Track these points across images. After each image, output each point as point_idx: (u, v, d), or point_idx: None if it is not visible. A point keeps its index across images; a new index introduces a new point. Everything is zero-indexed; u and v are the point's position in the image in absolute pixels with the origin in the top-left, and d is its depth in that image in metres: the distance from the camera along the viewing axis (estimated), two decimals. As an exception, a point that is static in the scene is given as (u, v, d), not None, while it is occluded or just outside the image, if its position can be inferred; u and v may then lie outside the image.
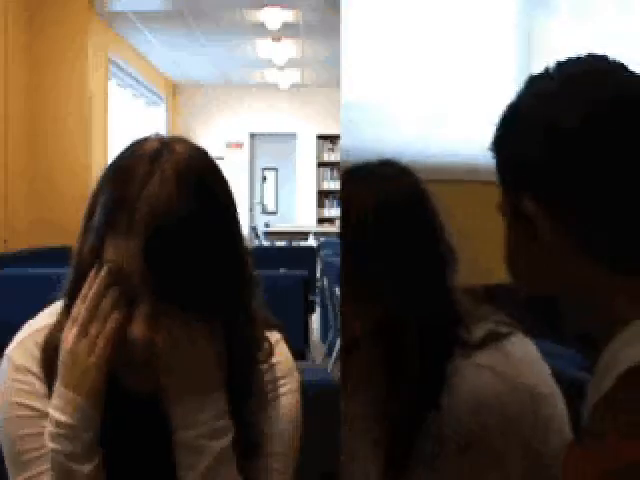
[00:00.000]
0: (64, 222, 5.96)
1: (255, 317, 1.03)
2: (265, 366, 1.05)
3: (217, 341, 0.97)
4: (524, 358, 1.11)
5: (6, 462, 1.00)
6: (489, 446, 1.07)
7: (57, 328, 0.99)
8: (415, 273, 1.11)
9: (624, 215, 0.78)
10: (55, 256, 5.56)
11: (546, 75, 0.85)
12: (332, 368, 4.76)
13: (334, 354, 4.92)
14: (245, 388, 1.01)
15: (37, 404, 0.97)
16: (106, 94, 7.48)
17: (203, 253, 0.93)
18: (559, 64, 0.85)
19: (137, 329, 0.92)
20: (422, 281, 1.11)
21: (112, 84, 8.05)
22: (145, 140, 0.98)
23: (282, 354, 1.08)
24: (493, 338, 1.11)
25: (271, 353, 1.06)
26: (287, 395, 1.06)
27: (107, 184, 0.96)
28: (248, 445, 1.00)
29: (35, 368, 0.99)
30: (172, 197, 0.91)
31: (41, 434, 0.96)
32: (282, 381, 1.06)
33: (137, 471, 1.01)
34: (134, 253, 0.91)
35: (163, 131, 10.37)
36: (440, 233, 1.14)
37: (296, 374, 1.09)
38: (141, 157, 0.94)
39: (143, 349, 0.93)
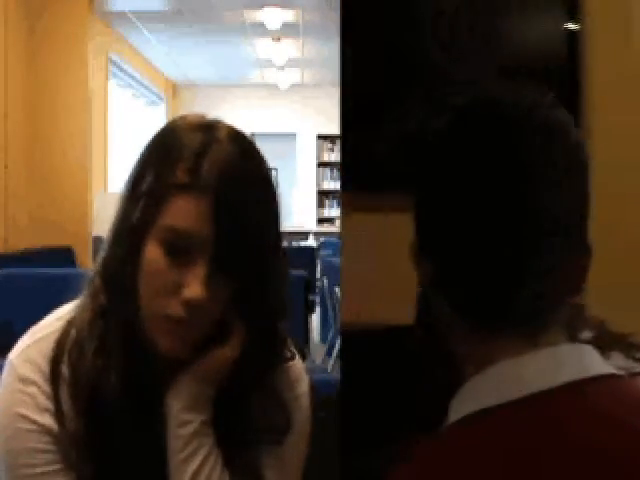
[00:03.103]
0: (64, 222, 5.96)
1: (285, 308, 1.01)
2: (285, 378, 1.05)
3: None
4: None
5: (6, 473, 0.96)
6: None
7: (64, 336, 0.97)
8: None
9: (475, 268, 0.74)
10: (55, 256, 5.56)
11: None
12: (332, 368, 4.76)
13: (334, 354, 4.92)
14: (264, 382, 1.00)
15: (39, 418, 0.94)
16: (106, 94, 7.48)
17: (260, 222, 0.93)
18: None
19: (194, 289, 0.89)
20: None
21: (112, 84, 8.05)
22: (183, 117, 0.98)
23: (298, 367, 1.08)
24: None
25: (293, 356, 1.06)
26: (302, 397, 1.06)
27: (156, 155, 0.94)
28: (252, 438, 1.00)
29: (39, 380, 0.95)
30: (236, 157, 0.92)
31: (48, 451, 0.93)
32: (297, 383, 1.06)
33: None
34: (200, 213, 0.89)
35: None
36: None
37: (307, 377, 1.09)
38: (188, 129, 0.94)
39: (197, 306, 0.90)
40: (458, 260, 0.75)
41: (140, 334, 0.94)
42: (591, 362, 0.74)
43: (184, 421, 0.95)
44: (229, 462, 0.99)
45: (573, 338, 0.76)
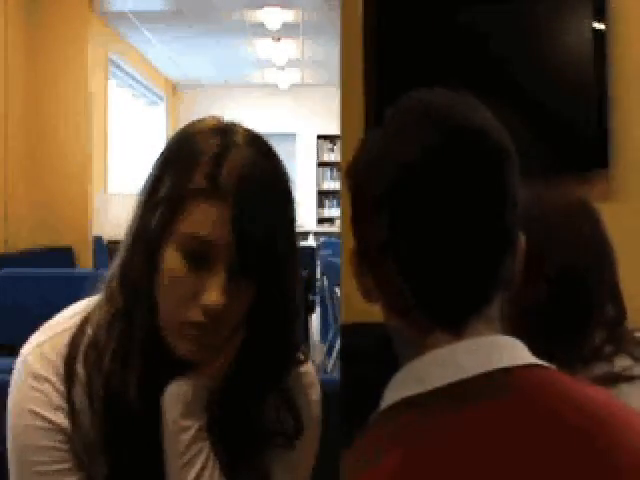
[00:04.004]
0: (64, 222, 5.97)
1: (299, 313, 1.02)
2: (298, 382, 1.05)
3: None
4: None
5: (16, 469, 0.96)
6: None
7: (79, 334, 0.97)
8: None
9: (410, 269, 0.78)
10: (55, 256, 5.56)
11: None
12: (332, 368, 4.77)
13: (334, 354, 4.92)
14: (276, 384, 1.01)
15: (52, 416, 0.94)
16: (106, 94, 7.48)
17: (279, 226, 0.93)
18: None
19: (214, 295, 0.89)
20: None
21: (112, 84, 8.05)
22: (200, 120, 0.98)
23: (311, 372, 1.09)
24: None
25: (305, 359, 1.06)
26: (313, 403, 1.07)
27: (174, 161, 0.94)
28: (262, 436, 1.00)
29: (53, 377, 0.95)
30: (254, 161, 0.92)
31: (58, 449, 0.94)
32: (309, 390, 1.07)
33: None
34: (219, 220, 0.89)
35: (163, 131, 10.37)
36: None
37: (318, 383, 1.09)
38: (206, 132, 0.94)
39: (216, 315, 0.90)
40: (393, 262, 0.80)
41: (159, 339, 0.94)
42: (511, 353, 0.78)
43: (184, 427, 0.94)
44: (238, 465, 0.99)
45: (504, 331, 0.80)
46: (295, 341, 1.02)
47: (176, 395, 0.95)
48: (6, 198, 5.51)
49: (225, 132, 0.94)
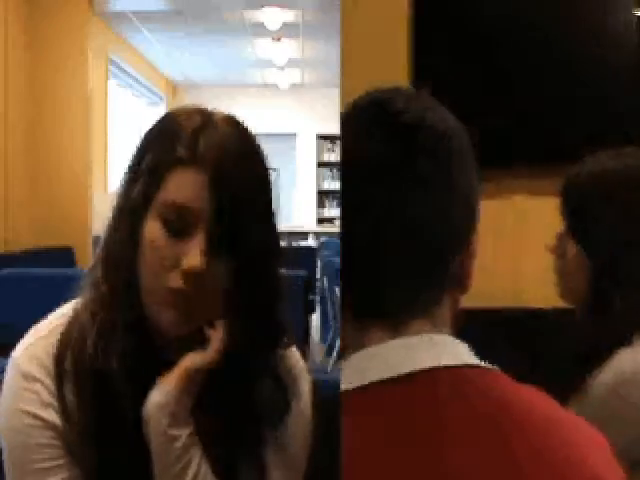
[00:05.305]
0: (64, 222, 5.96)
1: (282, 294, 1.03)
2: (283, 363, 1.05)
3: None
4: None
5: (12, 469, 0.96)
6: None
7: (67, 333, 0.98)
8: None
9: (355, 269, 0.80)
10: (55, 256, 5.56)
11: None
12: (332, 368, 4.76)
13: (334, 354, 4.92)
14: (261, 366, 1.01)
15: (43, 414, 0.95)
16: (106, 94, 7.48)
17: (256, 197, 0.96)
18: None
19: (193, 259, 0.91)
20: None
21: (112, 84, 8.05)
22: (182, 106, 1.01)
23: (296, 354, 1.09)
24: None
25: (291, 343, 1.07)
26: (303, 395, 1.07)
27: (155, 137, 0.97)
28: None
29: (43, 377, 0.96)
30: (232, 136, 0.95)
31: (52, 445, 0.94)
32: (299, 380, 1.07)
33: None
34: (198, 187, 0.91)
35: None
36: None
37: (308, 376, 1.10)
38: (187, 113, 0.97)
39: (197, 277, 0.92)
40: (344, 262, 0.82)
41: (142, 314, 0.95)
42: (449, 352, 0.79)
43: (173, 437, 0.94)
44: (232, 449, 0.99)
45: (443, 330, 0.81)
46: (278, 321, 1.03)
47: (159, 406, 0.94)
48: (6, 198, 5.51)
49: (205, 113, 0.98)
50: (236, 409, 1.00)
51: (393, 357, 0.77)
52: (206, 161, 0.92)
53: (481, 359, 0.80)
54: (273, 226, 1.01)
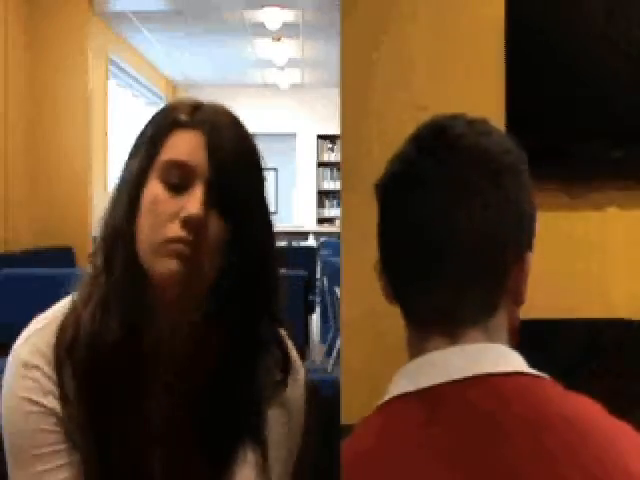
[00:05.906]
0: (64, 222, 5.97)
1: (275, 255, 1.06)
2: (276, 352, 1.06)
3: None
4: None
5: (13, 455, 0.98)
6: None
7: (66, 323, 1.00)
8: None
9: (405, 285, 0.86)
10: (55, 256, 5.56)
11: None
12: (332, 368, 4.77)
13: (334, 354, 4.92)
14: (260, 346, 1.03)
15: (44, 401, 0.97)
16: (106, 94, 7.48)
17: (248, 163, 1.02)
18: None
19: (193, 207, 0.95)
20: None
21: (112, 84, 8.06)
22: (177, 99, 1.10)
23: (290, 347, 1.10)
24: None
25: (282, 323, 1.08)
26: (296, 386, 1.08)
27: (155, 118, 1.03)
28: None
29: (42, 365, 0.98)
30: (227, 112, 1.04)
31: (53, 431, 0.96)
32: (292, 371, 1.07)
33: None
34: (196, 145, 0.98)
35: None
36: None
37: (302, 369, 1.10)
38: (182, 100, 1.05)
39: (196, 225, 0.95)
40: (392, 278, 0.87)
41: (139, 284, 0.97)
42: (499, 361, 0.82)
43: None
44: (234, 421, 1.01)
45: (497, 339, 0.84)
46: (273, 289, 1.06)
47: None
48: (6, 198, 5.52)
49: (198, 101, 1.05)
50: (237, 384, 1.01)
51: (451, 363, 0.81)
52: (204, 123, 0.99)
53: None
54: (263, 196, 1.05)
